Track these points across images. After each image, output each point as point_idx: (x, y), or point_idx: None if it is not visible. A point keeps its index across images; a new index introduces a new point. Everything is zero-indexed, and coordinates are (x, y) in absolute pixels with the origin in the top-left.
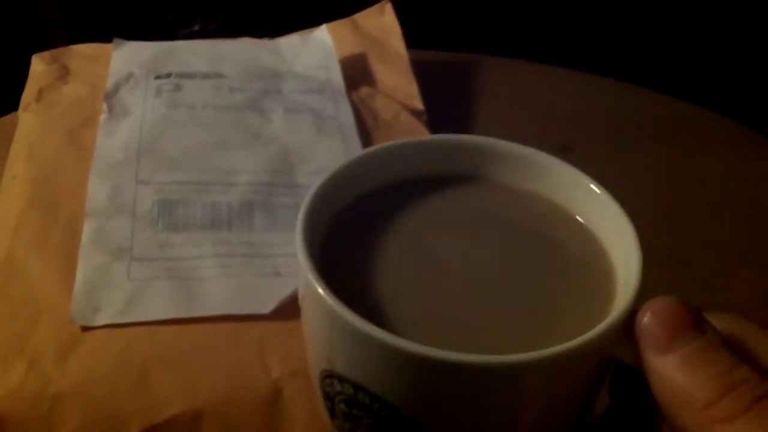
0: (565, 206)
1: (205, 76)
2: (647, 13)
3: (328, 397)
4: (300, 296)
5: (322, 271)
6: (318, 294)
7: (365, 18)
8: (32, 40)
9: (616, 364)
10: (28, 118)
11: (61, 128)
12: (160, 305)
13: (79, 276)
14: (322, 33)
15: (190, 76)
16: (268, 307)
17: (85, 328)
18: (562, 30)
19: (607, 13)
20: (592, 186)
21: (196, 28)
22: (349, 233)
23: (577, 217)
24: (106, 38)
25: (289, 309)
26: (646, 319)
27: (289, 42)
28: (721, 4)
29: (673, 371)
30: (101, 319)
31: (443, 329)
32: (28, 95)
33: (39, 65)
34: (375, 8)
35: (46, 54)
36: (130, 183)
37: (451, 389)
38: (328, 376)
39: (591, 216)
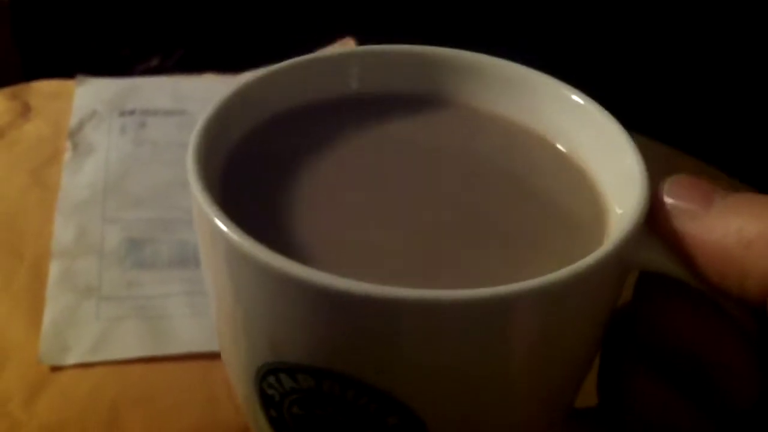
0: (546, 134)
1: (169, 112)
2: (650, 67)
3: (272, 403)
4: (212, 271)
5: (237, 221)
6: (249, 252)
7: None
8: None
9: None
10: None
11: (25, 167)
12: (129, 344)
13: (47, 316)
14: None
15: (154, 112)
16: None
17: (54, 368)
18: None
19: (608, 67)
20: (581, 102)
21: (154, 63)
22: (255, 164)
23: (559, 146)
24: (62, 73)
25: None
26: (668, 188)
27: None
28: (725, 58)
29: (723, 215)
30: (70, 359)
31: (406, 270)
32: None
33: None
34: (337, 45)
35: (6, 90)
36: (96, 221)
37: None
38: (271, 371)
39: (580, 146)
